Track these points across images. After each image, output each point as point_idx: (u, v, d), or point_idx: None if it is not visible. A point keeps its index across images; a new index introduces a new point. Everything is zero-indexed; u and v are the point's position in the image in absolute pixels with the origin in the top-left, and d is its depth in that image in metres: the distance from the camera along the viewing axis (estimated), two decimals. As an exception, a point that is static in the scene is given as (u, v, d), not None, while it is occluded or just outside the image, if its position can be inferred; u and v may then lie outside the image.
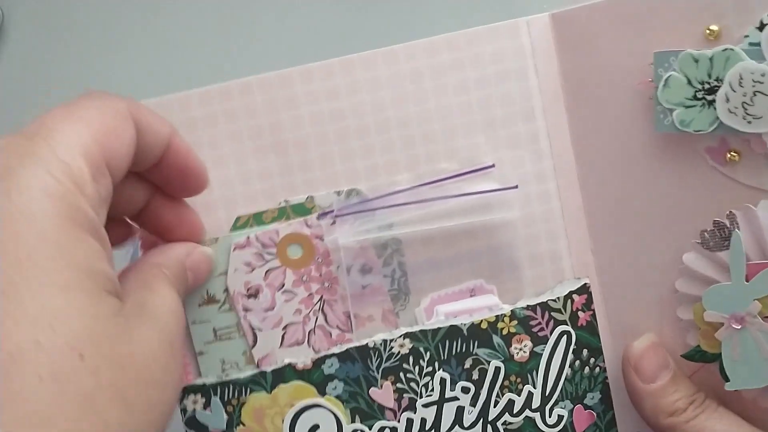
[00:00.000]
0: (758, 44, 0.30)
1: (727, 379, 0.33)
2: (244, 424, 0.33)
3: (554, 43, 0.35)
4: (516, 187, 0.34)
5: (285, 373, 0.33)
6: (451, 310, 0.35)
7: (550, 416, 0.35)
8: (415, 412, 0.34)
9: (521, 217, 0.35)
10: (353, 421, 0.34)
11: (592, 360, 0.36)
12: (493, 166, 0.34)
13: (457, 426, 0.34)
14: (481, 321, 0.34)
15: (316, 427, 0.33)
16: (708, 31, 0.31)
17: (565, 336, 0.35)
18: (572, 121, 0.35)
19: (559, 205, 0.36)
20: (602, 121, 0.35)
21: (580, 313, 0.35)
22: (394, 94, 0.35)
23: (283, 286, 0.34)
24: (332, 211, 0.34)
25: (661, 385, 0.34)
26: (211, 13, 0.55)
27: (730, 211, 0.32)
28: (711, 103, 0.31)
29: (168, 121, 0.29)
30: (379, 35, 0.51)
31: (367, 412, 0.34)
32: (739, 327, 0.32)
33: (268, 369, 0.33)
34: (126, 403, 0.22)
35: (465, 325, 0.34)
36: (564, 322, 0.35)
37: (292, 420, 0.33)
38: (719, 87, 0.31)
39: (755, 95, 0.30)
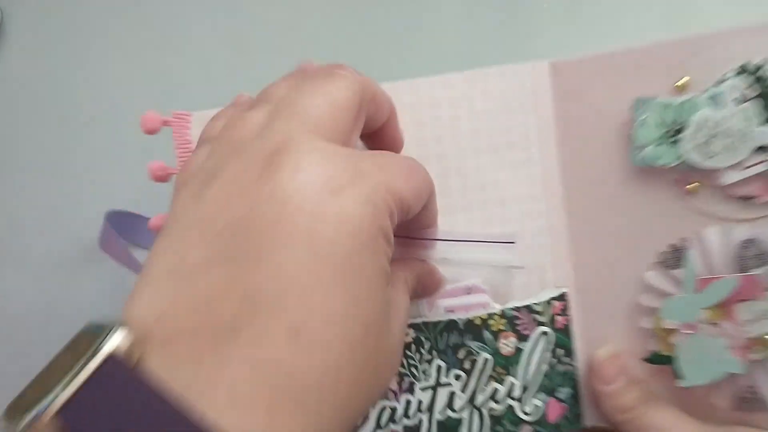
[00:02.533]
0: (719, 95, 0.34)
1: (680, 378, 0.35)
2: None
3: (551, 87, 0.38)
4: (513, 242, 0.35)
5: None
6: (450, 305, 0.37)
7: (527, 405, 0.37)
8: (413, 395, 0.37)
9: (517, 232, 0.37)
10: None
11: (566, 359, 0.38)
12: (514, 242, 0.35)
13: (448, 408, 0.37)
14: (476, 317, 0.37)
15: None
16: (678, 83, 0.35)
17: (545, 336, 0.37)
18: (562, 151, 0.38)
19: (546, 223, 0.38)
20: (587, 153, 0.37)
21: (558, 317, 0.38)
22: (412, 119, 0.37)
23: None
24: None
25: (617, 388, 0.36)
26: (210, 14, 0.54)
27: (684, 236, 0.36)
28: (677, 142, 0.34)
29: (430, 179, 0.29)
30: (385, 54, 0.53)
31: (372, 391, 0.36)
32: (690, 332, 0.35)
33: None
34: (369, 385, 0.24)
35: (462, 320, 0.37)
36: (544, 324, 0.37)
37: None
38: (684, 129, 0.34)
39: (713, 137, 0.34)
